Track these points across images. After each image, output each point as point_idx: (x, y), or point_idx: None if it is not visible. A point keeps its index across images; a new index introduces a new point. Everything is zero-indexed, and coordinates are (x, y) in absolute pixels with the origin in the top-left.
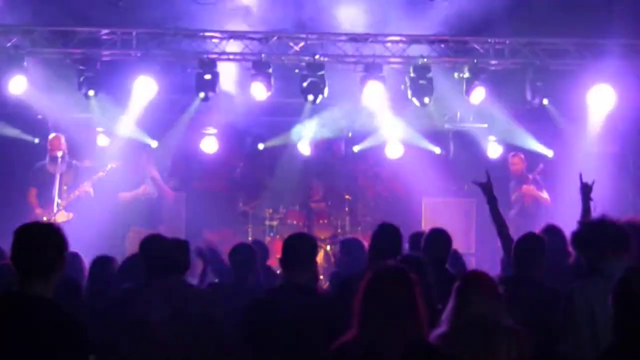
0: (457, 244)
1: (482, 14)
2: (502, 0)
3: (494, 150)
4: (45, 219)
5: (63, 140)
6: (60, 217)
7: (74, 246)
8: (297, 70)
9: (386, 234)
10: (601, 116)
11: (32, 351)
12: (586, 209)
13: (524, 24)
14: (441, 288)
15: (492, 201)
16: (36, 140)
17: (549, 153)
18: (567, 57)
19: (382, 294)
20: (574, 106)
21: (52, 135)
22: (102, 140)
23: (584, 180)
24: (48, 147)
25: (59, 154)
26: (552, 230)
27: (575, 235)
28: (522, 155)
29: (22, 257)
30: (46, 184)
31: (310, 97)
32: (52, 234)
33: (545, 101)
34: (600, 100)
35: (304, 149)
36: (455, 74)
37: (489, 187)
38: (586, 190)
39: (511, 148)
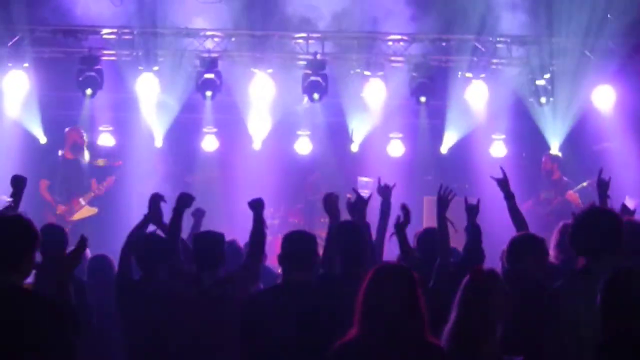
0: (458, 242)
1: (484, 12)
2: None
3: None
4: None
5: (83, 132)
6: (85, 212)
7: (99, 240)
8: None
9: (347, 234)
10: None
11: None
12: (603, 205)
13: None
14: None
15: (509, 197)
16: (42, 141)
17: (558, 153)
18: (570, 56)
19: (384, 293)
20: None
21: (68, 129)
22: (104, 140)
23: (602, 176)
24: (68, 140)
25: (78, 146)
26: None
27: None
28: (550, 156)
29: None
30: (69, 177)
31: (316, 96)
32: (18, 227)
33: (543, 100)
34: (603, 100)
35: (304, 147)
36: (459, 73)
37: (506, 183)
38: (603, 186)
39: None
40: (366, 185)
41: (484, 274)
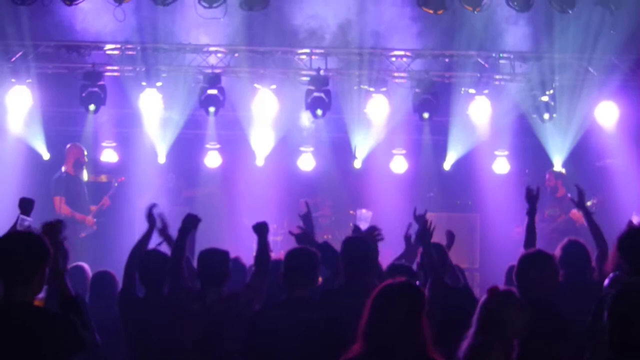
0: (461, 259)
1: (487, 29)
2: (506, 15)
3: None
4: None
5: (84, 149)
6: (87, 230)
7: (101, 256)
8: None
9: (356, 248)
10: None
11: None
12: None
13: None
14: (439, 300)
15: (532, 213)
16: (45, 157)
17: (562, 170)
18: (573, 72)
19: (388, 310)
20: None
21: (70, 145)
22: (107, 156)
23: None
24: (70, 157)
25: (80, 163)
26: (574, 246)
27: (619, 240)
28: (554, 172)
29: (4, 267)
30: (73, 193)
31: (319, 112)
32: (29, 243)
33: (546, 116)
34: (605, 116)
35: (307, 163)
36: (462, 89)
37: (536, 198)
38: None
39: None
40: (365, 218)
41: (501, 292)
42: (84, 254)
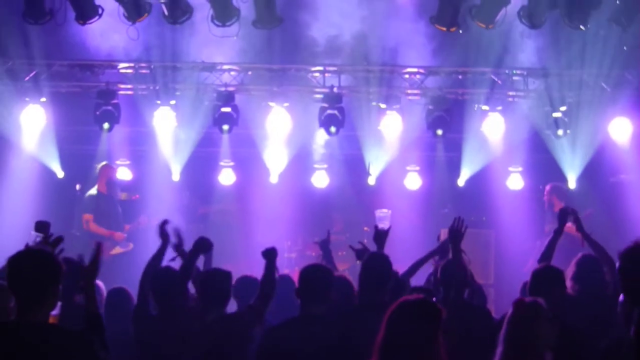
0: (476, 275)
1: (500, 45)
2: (519, 32)
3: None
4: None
5: (115, 169)
6: (123, 246)
7: (115, 273)
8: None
9: (372, 265)
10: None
11: None
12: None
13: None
14: (459, 318)
15: (559, 233)
16: (60, 175)
17: (564, 185)
18: (586, 88)
19: (405, 325)
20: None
21: (102, 164)
22: (121, 174)
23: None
24: (102, 176)
25: (112, 182)
26: (587, 260)
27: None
28: (551, 186)
29: (18, 284)
30: (104, 212)
31: (333, 129)
32: (41, 261)
33: (559, 132)
34: (619, 132)
35: (321, 180)
36: (475, 106)
37: (565, 217)
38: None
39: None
40: (384, 218)
41: (528, 304)
42: (113, 271)
